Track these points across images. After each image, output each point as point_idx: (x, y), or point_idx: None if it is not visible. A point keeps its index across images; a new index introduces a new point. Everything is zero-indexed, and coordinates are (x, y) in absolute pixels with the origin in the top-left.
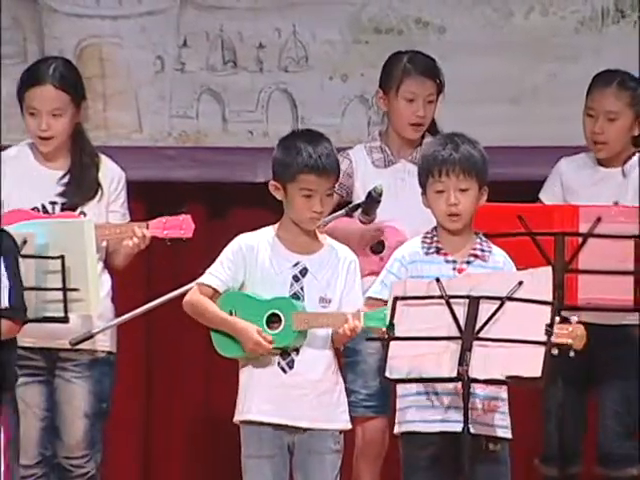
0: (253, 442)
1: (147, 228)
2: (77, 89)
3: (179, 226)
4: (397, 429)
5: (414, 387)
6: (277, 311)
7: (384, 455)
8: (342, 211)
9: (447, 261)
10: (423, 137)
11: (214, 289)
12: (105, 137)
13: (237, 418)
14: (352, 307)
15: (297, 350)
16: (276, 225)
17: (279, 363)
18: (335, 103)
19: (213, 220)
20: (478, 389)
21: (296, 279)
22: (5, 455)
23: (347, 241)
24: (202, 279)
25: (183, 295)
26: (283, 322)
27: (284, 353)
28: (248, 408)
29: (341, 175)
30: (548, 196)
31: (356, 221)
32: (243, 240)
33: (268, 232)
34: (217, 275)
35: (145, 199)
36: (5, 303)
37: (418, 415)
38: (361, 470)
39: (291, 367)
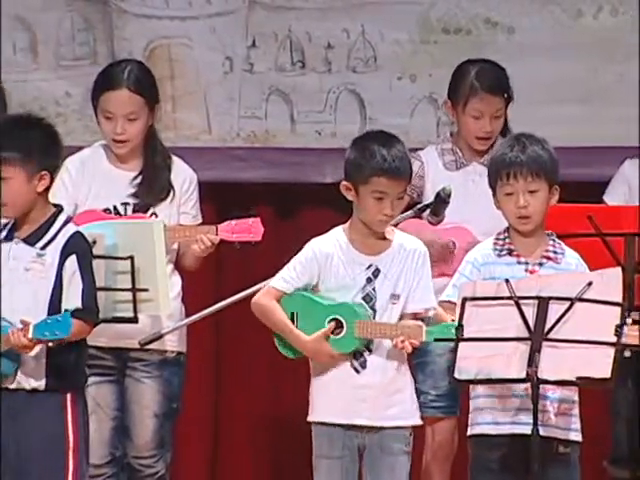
0: (324, 442)
1: (216, 232)
2: (151, 92)
3: (248, 230)
4: (469, 431)
5: (485, 389)
6: (339, 317)
7: (454, 456)
8: (411, 211)
9: (519, 263)
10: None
11: (285, 293)
12: (174, 138)
13: (310, 418)
14: (420, 303)
15: (369, 350)
16: (346, 226)
17: (352, 364)
18: (404, 103)
19: (281, 220)
20: (550, 391)
21: (369, 281)
22: (74, 455)
23: None
24: (273, 282)
25: (252, 296)
26: (345, 329)
27: (357, 353)
28: (320, 409)
29: (412, 176)
30: (612, 197)
31: (425, 223)
32: (317, 246)
33: (340, 236)
34: (288, 280)
35: (213, 200)
36: (78, 304)
37: (488, 417)
38: (431, 471)
39: (364, 367)
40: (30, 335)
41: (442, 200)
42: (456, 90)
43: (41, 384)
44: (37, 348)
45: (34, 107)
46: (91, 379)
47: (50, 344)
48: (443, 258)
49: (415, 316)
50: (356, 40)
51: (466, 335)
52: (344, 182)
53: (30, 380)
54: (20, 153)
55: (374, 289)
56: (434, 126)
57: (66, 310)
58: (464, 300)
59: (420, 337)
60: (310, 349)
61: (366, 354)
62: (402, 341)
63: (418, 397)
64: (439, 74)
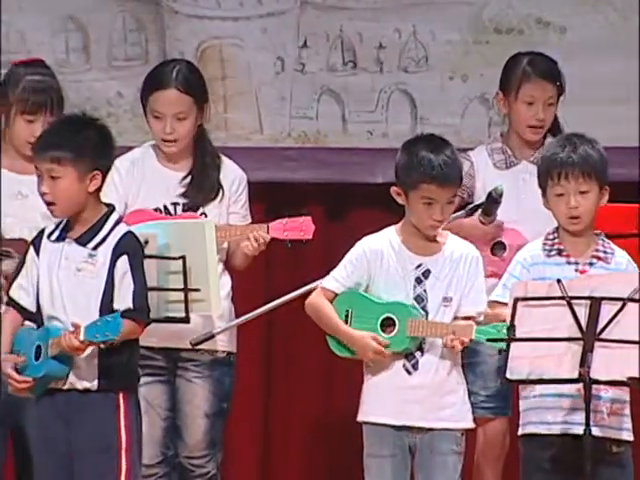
0: (375, 442)
1: (267, 230)
2: (200, 92)
3: (299, 228)
4: (520, 431)
5: (536, 389)
6: (392, 315)
7: (505, 456)
8: (462, 212)
9: (569, 263)
10: (545, 137)
11: (336, 293)
12: (225, 138)
13: (360, 418)
14: (473, 306)
15: (421, 350)
16: (398, 226)
17: (404, 364)
18: (455, 103)
19: (332, 221)
20: (602, 391)
21: (419, 281)
22: (127, 455)
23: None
24: (325, 282)
25: (302, 295)
26: (397, 327)
27: (409, 354)
28: (371, 409)
29: (463, 176)
30: None
31: (477, 222)
32: (367, 244)
33: (391, 235)
34: (340, 279)
35: (264, 200)
36: (129, 304)
37: (540, 417)
38: (482, 471)
39: (415, 368)
40: (81, 337)
41: (494, 200)
42: (508, 79)
43: (94, 384)
44: (89, 350)
45: (86, 107)
46: (142, 379)
47: (102, 346)
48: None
49: (467, 319)
50: (408, 40)
51: (518, 335)
52: (394, 187)
53: (83, 381)
54: (72, 153)
55: (425, 290)
56: (485, 126)
57: (116, 311)
58: (516, 300)
59: (470, 336)
60: (359, 345)
61: (418, 355)
62: (452, 340)
63: (468, 397)
64: (491, 74)
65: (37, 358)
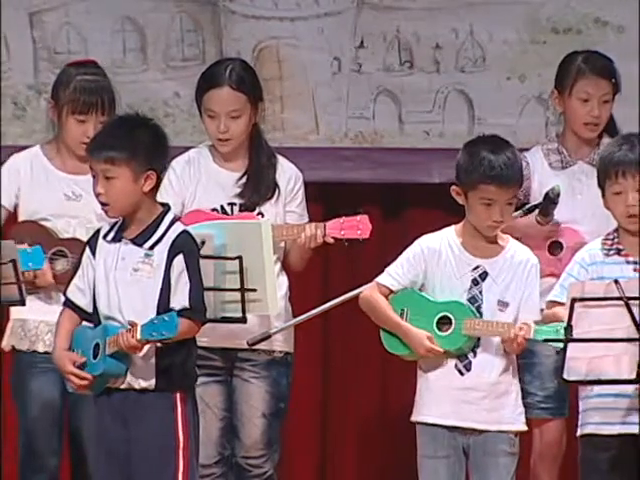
0: (429, 443)
1: (324, 229)
2: (254, 90)
3: (356, 227)
4: (579, 431)
5: (595, 389)
6: (448, 314)
7: (562, 457)
8: (520, 212)
9: (628, 262)
10: (600, 138)
11: (391, 290)
12: (282, 138)
13: (414, 418)
14: (529, 313)
15: (474, 352)
16: (458, 226)
17: (456, 365)
18: (512, 103)
19: (388, 221)
20: None
21: (475, 282)
22: (184, 454)
23: (524, 244)
24: (380, 278)
25: (359, 295)
26: (453, 326)
27: (461, 355)
28: (424, 409)
29: None
30: None
31: (533, 222)
32: (425, 243)
33: (450, 235)
34: (395, 276)
35: (320, 200)
36: (185, 304)
37: (598, 417)
38: (539, 472)
39: (468, 369)
40: (138, 336)
41: (551, 200)
42: (563, 77)
43: (151, 384)
44: (145, 348)
45: (143, 108)
46: (199, 379)
47: (159, 344)
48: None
49: None
50: (465, 40)
51: (575, 336)
52: (454, 187)
53: (140, 380)
54: (126, 153)
55: (480, 292)
56: (542, 126)
57: (172, 309)
58: (573, 301)
59: (528, 335)
60: (413, 341)
61: (471, 356)
62: (512, 338)
63: (525, 398)
64: (548, 74)
65: (95, 356)
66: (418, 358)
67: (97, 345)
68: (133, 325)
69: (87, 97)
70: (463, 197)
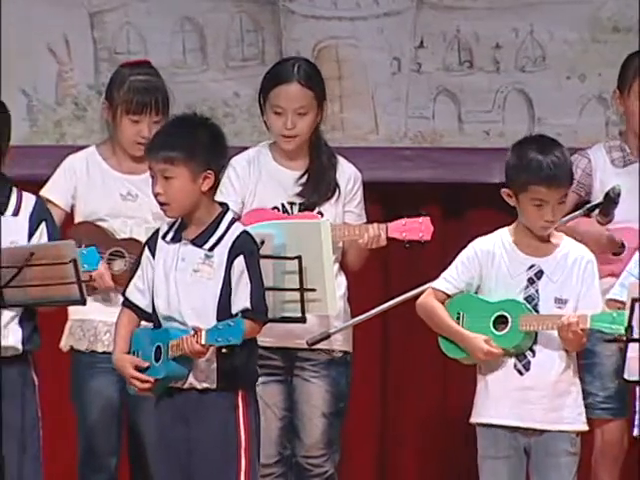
0: (489, 443)
1: (387, 230)
2: (320, 88)
3: (418, 229)
4: (636, 432)
5: None
6: (504, 313)
7: (623, 457)
8: (580, 211)
9: None
10: None
11: (447, 294)
12: (341, 138)
13: (474, 420)
14: (590, 308)
15: (533, 351)
16: (511, 227)
17: (515, 365)
18: (572, 103)
19: (448, 221)
20: None
21: (531, 281)
22: (246, 454)
23: (585, 242)
24: (436, 283)
25: (418, 295)
26: (510, 323)
27: (520, 355)
28: (484, 410)
29: (580, 174)
30: None
31: (594, 222)
32: (479, 245)
33: (504, 235)
34: (451, 280)
35: (380, 200)
36: (246, 304)
37: None
38: (600, 473)
39: (527, 369)
40: (203, 341)
41: (611, 200)
42: (624, 77)
43: (213, 384)
44: (209, 353)
45: (203, 108)
46: (259, 379)
47: (224, 350)
48: (607, 251)
49: None
50: (525, 39)
51: (636, 336)
52: (504, 189)
53: (202, 380)
54: (184, 153)
55: (537, 291)
56: (603, 126)
57: (236, 314)
58: (634, 300)
59: (584, 324)
60: (470, 345)
61: (530, 356)
62: (567, 325)
63: (586, 398)
64: (608, 73)
65: (157, 359)
66: (476, 362)
67: (159, 348)
68: (198, 330)
69: (140, 97)
70: (514, 199)
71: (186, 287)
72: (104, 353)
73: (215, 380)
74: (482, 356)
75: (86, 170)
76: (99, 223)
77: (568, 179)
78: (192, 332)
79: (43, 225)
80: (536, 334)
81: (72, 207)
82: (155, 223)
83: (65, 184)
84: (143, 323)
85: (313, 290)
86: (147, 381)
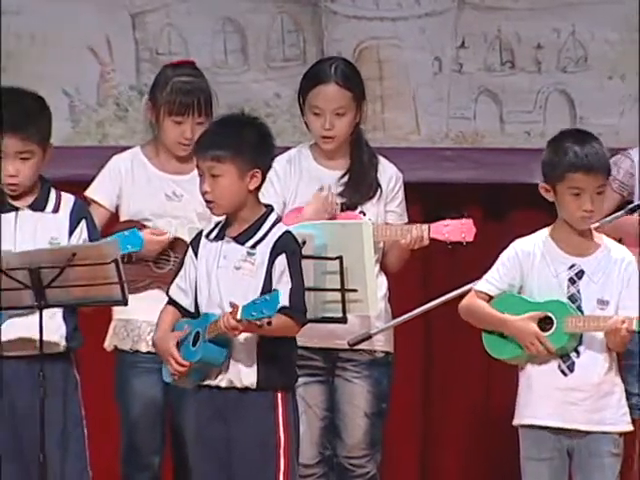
0: (532, 445)
1: (429, 230)
2: (359, 88)
3: (460, 230)
4: None
5: None
6: (549, 314)
7: None
8: (623, 211)
9: None
10: None
11: (489, 295)
12: (383, 138)
13: (516, 421)
14: (630, 310)
15: (577, 352)
16: (551, 227)
17: (559, 366)
18: (614, 103)
19: (489, 221)
20: None
21: (572, 281)
22: (285, 454)
23: (627, 243)
24: (478, 285)
25: (460, 296)
26: (555, 325)
27: (564, 356)
28: (527, 411)
29: (623, 174)
30: None
31: (637, 222)
32: (519, 246)
33: (544, 236)
34: (492, 282)
35: (421, 200)
36: (286, 303)
37: None
38: None
39: (571, 370)
40: (239, 316)
41: None
42: None
43: (252, 383)
44: (243, 337)
45: (245, 108)
46: (301, 379)
47: (258, 323)
48: None
49: None
50: (566, 40)
51: None
52: (542, 184)
53: (241, 379)
54: (232, 151)
55: (579, 291)
56: None
57: (275, 290)
58: None
59: (631, 327)
60: (517, 328)
61: (574, 356)
62: (616, 330)
63: (628, 399)
64: None
65: (195, 344)
66: (523, 360)
67: (197, 334)
68: (234, 306)
69: (183, 98)
70: (552, 193)
71: (227, 284)
72: (148, 353)
73: (255, 378)
74: (533, 339)
75: (131, 170)
76: (144, 223)
77: (605, 168)
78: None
79: (83, 223)
80: (581, 335)
81: (117, 207)
82: (199, 223)
83: (110, 184)
84: None
85: (354, 290)
86: (182, 364)
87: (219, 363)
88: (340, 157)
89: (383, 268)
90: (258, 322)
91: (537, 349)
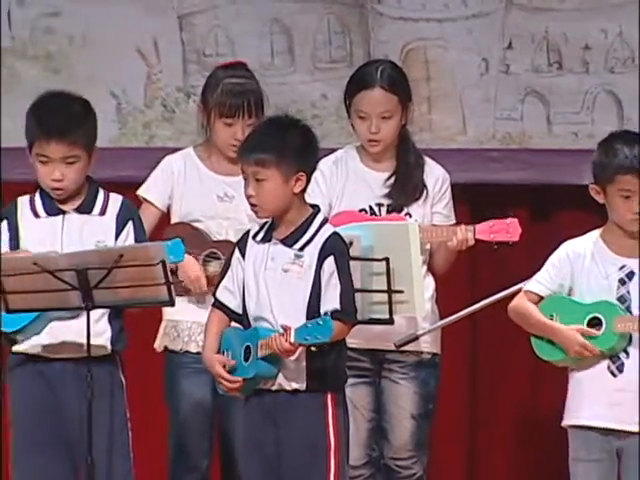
0: (581, 446)
1: (474, 231)
2: (404, 91)
3: (506, 230)
4: None
5: None
6: (598, 315)
7: None
8: None
9: None
10: None
11: (539, 296)
12: (429, 139)
13: (566, 422)
14: None
15: (627, 352)
16: (602, 228)
17: (609, 367)
18: None
19: (537, 222)
20: None
21: (622, 282)
22: (336, 455)
23: None
24: (528, 286)
25: (507, 297)
26: (604, 325)
27: (613, 356)
28: (577, 412)
29: None
30: None
31: None
32: (570, 247)
33: (595, 237)
34: (543, 282)
35: (468, 201)
36: (336, 305)
37: None
38: None
39: (621, 371)
40: (292, 339)
41: None
42: None
43: (302, 385)
44: (298, 352)
45: (291, 110)
46: (348, 381)
47: (313, 348)
48: None
49: None
50: (614, 40)
51: None
52: (592, 185)
53: (291, 382)
54: (275, 155)
55: (628, 292)
56: None
57: (326, 314)
58: None
59: None
60: (565, 338)
61: (623, 357)
62: None
63: None
64: None
65: (246, 359)
66: (572, 363)
67: (248, 348)
68: (286, 329)
69: (233, 100)
70: (602, 195)
71: (275, 287)
72: (198, 354)
73: (305, 381)
74: (577, 348)
75: (183, 171)
76: (195, 224)
77: None
78: (281, 331)
79: (130, 225)
80: (630, 336)
81: (168, 207)
82: (250, 225)
83: (162, 184)
84: (233, 324)
85: (401, 292)
86: (235, 381)
87: (272, 378)
88: (386, 159)
89: (430, 269)
90: (313, 348)
91: (583, 356)
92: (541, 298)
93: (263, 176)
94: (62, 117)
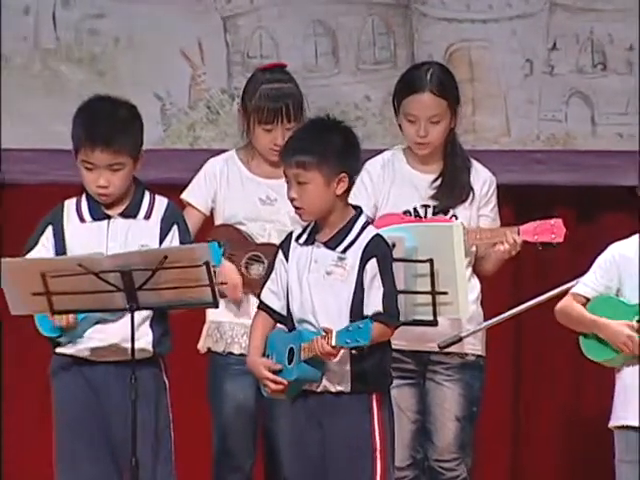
0: (627, 447)
1: (518, 232)
2: (453, 95)
3: (550, 230)
4: None
5: None
6: None
7: None
8: None
9: None
10: None
11: (586, 298)
12: (473, 141)
13: (612, 423)
14: None
15: None
16: None
17: None
18: None
19: (581, 224)
20: None
21: None
22: (382, 456)
23: None
24: (575, 288)
25: (551, 299)
26: None
27: None
28: (623, 413)
29: None
30: None
31: None
32: (617, 249)
33: None
34: (590, 284)
35: (512, 203)
36: (379, 308)
37: None
38: None
39: None
40: (333, 342)
41: None
42: None
43: (347, 387)
44: (340, 354)
45: (335, 111)
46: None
47: (353, 351)
48: None
49: None
50: None
51: None
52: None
53: (336, 384)
54: (316, 157)
55: None
56: None
57: (366, 316)
58: None
59: None
60: (611, 330)
61: None
62: None
63: None
64: None
65: (290, 361)
66: (619, 362)
67: (292, 350)
68: (328, 332)
69: (271, 105)
70: None
71: (319, 289)
72: (241, 355)
73: (349, 383)
74: (624, 339)
75: (226, 174)
76: (238, 227)
77: None
78: (323, 334)
79: (175, 228)
80: None
81: (212, 210)
82: (292, 227)
83: (205, 188)
84: (278, 325)
85: (445, 293)
86: (280, 383)
87: (315, 380)
88: (434, 161)
89: (477, 272)
90: (353, 351)
91: (630, 350)
92: (588, 300)
93: (305, 179)
94: (107, 124)
